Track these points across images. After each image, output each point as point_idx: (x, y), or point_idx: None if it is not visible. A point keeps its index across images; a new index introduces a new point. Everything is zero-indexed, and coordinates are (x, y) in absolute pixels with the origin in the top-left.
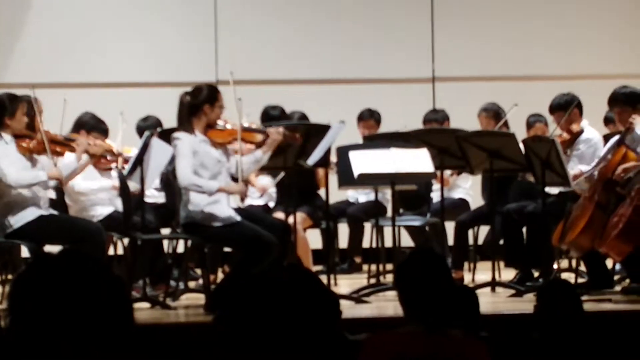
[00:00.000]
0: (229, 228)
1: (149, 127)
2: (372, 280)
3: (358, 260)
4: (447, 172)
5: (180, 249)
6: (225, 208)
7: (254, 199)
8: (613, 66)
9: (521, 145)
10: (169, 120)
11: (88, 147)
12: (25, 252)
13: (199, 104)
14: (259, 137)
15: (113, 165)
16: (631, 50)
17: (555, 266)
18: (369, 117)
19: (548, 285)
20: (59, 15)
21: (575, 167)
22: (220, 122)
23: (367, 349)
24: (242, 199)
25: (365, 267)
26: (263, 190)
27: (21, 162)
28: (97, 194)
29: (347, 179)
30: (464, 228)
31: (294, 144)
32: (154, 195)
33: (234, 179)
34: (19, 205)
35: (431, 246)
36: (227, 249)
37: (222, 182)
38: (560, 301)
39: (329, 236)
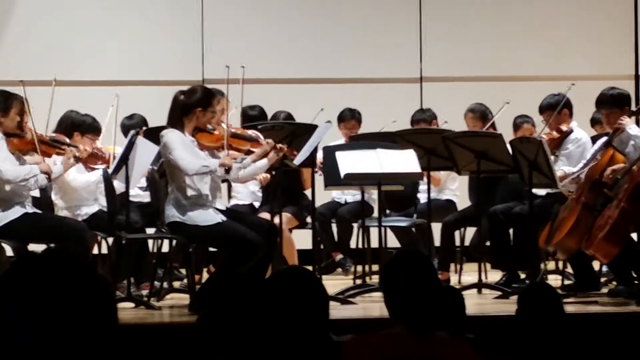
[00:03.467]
0: (214, 228)
1: (133, 125)
2: (358, 281)
3: (336, 257)
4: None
5: (165, 248)
6: (210, 208)
7: (240, 199)
8: (599, 67)
9: (508, 146)
10: (155, 118)
11: (77, 153)
12: (10, 252)
13: (192, 106)
14: (247, 146)
15: (102, 165)
16: (617, 52)
17: (542, 268)
18: (350, 118)
19: (529, 288)
20: (45, 13)
21: (558, 169)
22: (209, 126)
23: (348, 351)
24: (228, 170)
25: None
26: (265, 180)
27: (11, 160)
28: (90, 187)
29: (333, 179)
30: (451, 229)
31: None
32: (139, 194)
33: (223, 181)
34: (4, 203)
35: (417, 247)
36: (212, 249)
37: (207, 183)
38: (542, 304)
39: (315, 236)
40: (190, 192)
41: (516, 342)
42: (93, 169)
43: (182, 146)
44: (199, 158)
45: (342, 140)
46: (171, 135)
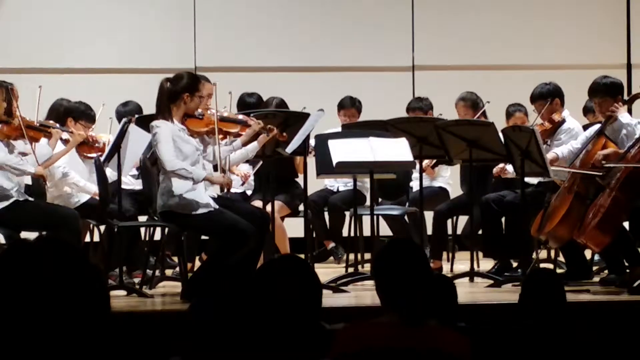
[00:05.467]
0: (206, 216)
1: (128, 112)
2: (350, 270)
3: (329, 245)
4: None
5: (157, 236)
6: (202, 196)
7: (232, 187)
8: (592, 56)
9: (500, 135)
10: (147, 107)
11: (67, 136)
12: (2, 239)
13: (179, 92)
14: (236, 129)
15: (97, 154)
16: (610, 41)
17: (534, 256)
18: (350, 106)
19: (532, 274)
20: (37, 1)
21: (550, 152)
22: (198, 111)
23: (341, 340)
24: (225, 190)
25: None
26: (245, 177)
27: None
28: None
29: (325, 167)
30: (443, 218)
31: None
32: (131, 182)
33: (215, 167)
34: None
35: (410, 236)
36: (204, 237)
37: (207, 171)
38: (544, 290)
39: (308, 225)
40: (182, 181)
41: (513, 329)
42: (88, 157)
43: (169, 140)
44: (186, 155)
45: (334, 129)
46: (161, 128)
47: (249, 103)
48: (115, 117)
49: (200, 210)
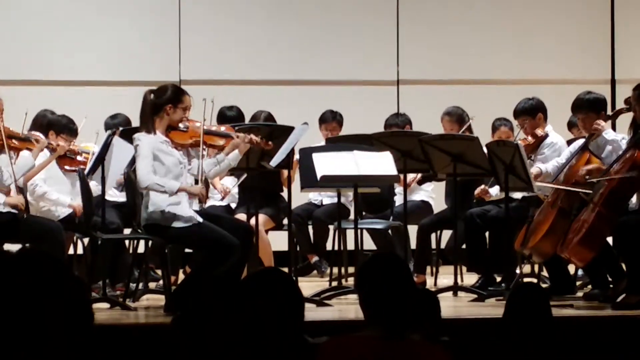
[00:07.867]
0: (190, 229)
1: (117, 125)
2: (334, 283)
3: (312, 259)
4: (410, 176)
5: (141, 249)
6: (186, 209)
7: (216, 200)
8: (576, 72)
9: (485, 150)
10: (134, 119)
11: (49, 147)
12: None
13: (162, 104)
14: (221, 142)
15: (79, 167)
16: (594, 56)
17: (517, 271)
18: (331, 120)
19: (517, 288)
20: (22, 12)
21: (534, 166)
22: (182, 124)
23: (324, 353)
24: (202, 202)
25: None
26: (225, 193)
27: None
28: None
29: (309, 180)
30: (427, 232)
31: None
32: (115, 194)
33: (197, 181)
34: None
35: (393, 249)
36: (188, 250)
37: (183, 182)
38: (530, 305)
39: (291, 238)
40: (166, 194)
41: (496, 344)
42: (69, 170)
43: (147, 155)
44: (168, 168)
45: (319, 142)
46: (142, 142)
47: (229, 116)
48: (104, 129)
49: (184, 223)
